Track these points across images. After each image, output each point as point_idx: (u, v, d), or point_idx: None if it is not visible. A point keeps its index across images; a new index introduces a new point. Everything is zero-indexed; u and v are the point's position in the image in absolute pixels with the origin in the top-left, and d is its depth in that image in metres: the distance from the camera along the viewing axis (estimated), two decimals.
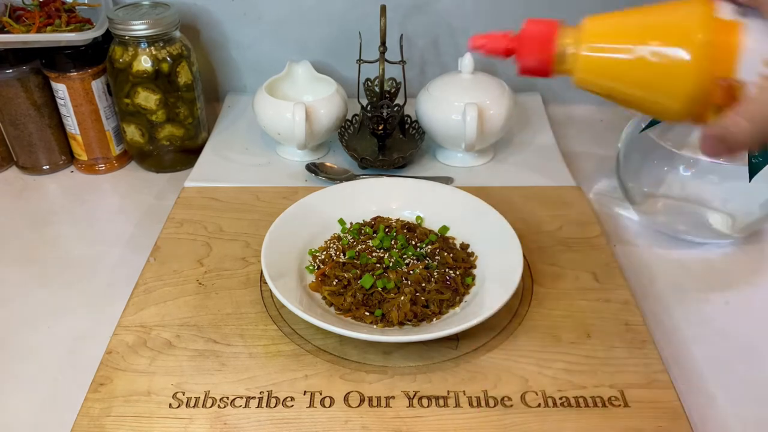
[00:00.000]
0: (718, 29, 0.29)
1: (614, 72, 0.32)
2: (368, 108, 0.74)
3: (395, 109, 0.74)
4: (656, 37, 0.30)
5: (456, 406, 0.46)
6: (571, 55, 0.33)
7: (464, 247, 0.60)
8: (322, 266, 0.57)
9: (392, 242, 0.59)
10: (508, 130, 0.76)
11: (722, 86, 0.28)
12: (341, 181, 0.71)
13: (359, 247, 0.58)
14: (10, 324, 0.56)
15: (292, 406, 0.46)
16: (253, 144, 0.80)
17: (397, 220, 0.63)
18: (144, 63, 0.71)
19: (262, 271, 0.54)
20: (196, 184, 0.71)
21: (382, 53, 0.72)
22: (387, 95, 0.74)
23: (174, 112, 0.75)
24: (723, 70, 0.29)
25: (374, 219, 0.63)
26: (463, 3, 0.84)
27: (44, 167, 0.78)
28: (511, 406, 0.46)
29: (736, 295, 0.60)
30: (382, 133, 0.74)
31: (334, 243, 0.60)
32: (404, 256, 0.57)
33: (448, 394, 0.47)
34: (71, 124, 0.75)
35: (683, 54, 0.29)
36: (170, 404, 0.47)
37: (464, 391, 0.48)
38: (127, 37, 0.70)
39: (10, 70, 0.71)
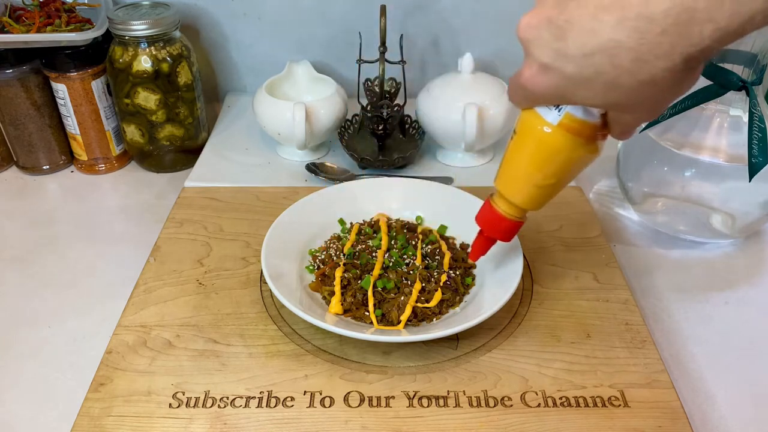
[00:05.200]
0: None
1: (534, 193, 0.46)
2: (368, 108, 0.74)
3: (395, 109, 0.74)
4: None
5: (456, 406, 0.46)
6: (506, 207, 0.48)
7: (464, 247, 0.60)
8: (322, 266, 0.57)
9: (392, 242, 0.59)
10: (508, 131, 0.76)
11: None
12: (341, 181, 0.71)
13: (359, 247, 0.58)
14: (10, 324, 0.56)
15: (292, 406, 0.46)
16: (253, 144, 0.80)
17: (397, 220, 0.63)
18: (144, 63, 0.71)
19: (262, 271, 0.54)
20: (196, 184, 0.71)
21: (382, 53, 0.72)
22: (387, 95, 0.74)
23: (174, 112, 0.75)
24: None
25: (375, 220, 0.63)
26: (463, 3, 0.84)
27: (44, 167, 0.78)
28: (511, 406, 0.46)
29: (736, 295, 0.60)
30: (382, 133, 0.74)
31: (334, 243, 0.60)
32: (404, 256, 0.57)
33: (448, 394, 0.47)
34: (71, 124, 0.75)
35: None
36: (170, 404, 0.47)
37: (464, 391, 0.48)
38: (127, 37, 0.70)
39: (10, 70, 0.71)
